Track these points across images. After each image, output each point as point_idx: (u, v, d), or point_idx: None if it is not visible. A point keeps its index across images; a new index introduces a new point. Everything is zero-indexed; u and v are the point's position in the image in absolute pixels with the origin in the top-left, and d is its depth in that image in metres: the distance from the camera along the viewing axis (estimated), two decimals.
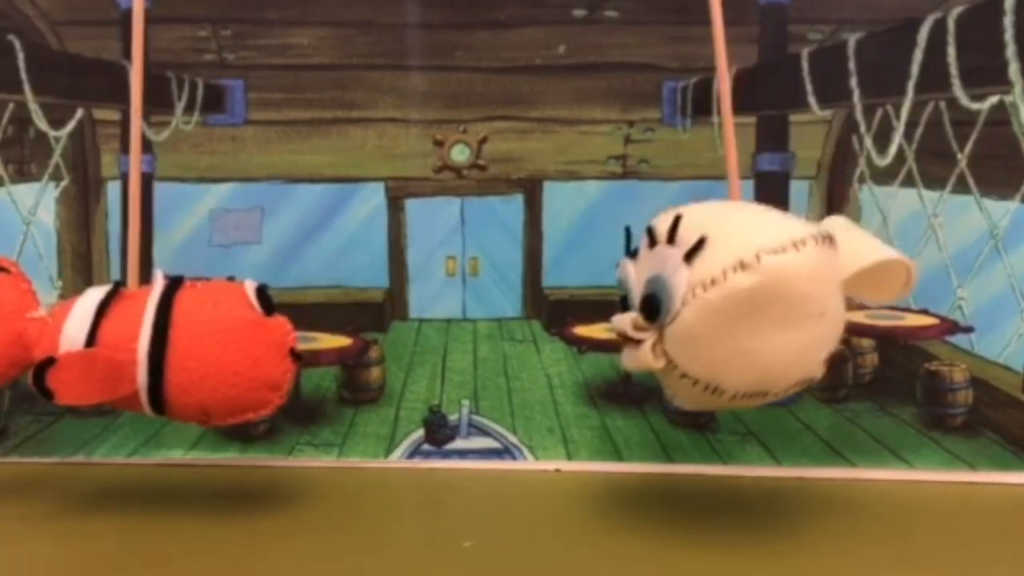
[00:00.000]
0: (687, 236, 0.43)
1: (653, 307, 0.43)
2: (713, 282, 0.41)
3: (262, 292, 0.48)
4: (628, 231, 0.47)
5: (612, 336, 0.59)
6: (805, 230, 0.42)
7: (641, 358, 0.44)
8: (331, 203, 0.60)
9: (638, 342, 0.44)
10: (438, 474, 0.59)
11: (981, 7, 0.55)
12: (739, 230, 0.43)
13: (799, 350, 0.43)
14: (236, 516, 0.51)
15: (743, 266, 0.41)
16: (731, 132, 0.50)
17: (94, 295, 0.48)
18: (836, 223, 0.45)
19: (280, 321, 0.48)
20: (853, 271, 0.44)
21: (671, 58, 0.58)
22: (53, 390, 0.46)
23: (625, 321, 0.44)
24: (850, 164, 0.59)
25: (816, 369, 0.44)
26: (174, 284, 0.48)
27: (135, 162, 0.50)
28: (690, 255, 0.42)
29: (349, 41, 0.59)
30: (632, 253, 0.46)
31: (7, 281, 0.50)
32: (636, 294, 0.45)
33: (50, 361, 0.46)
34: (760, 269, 0.41)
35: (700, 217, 0.44)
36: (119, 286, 0.48)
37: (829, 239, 0.42)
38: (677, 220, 0.44)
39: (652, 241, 0.45)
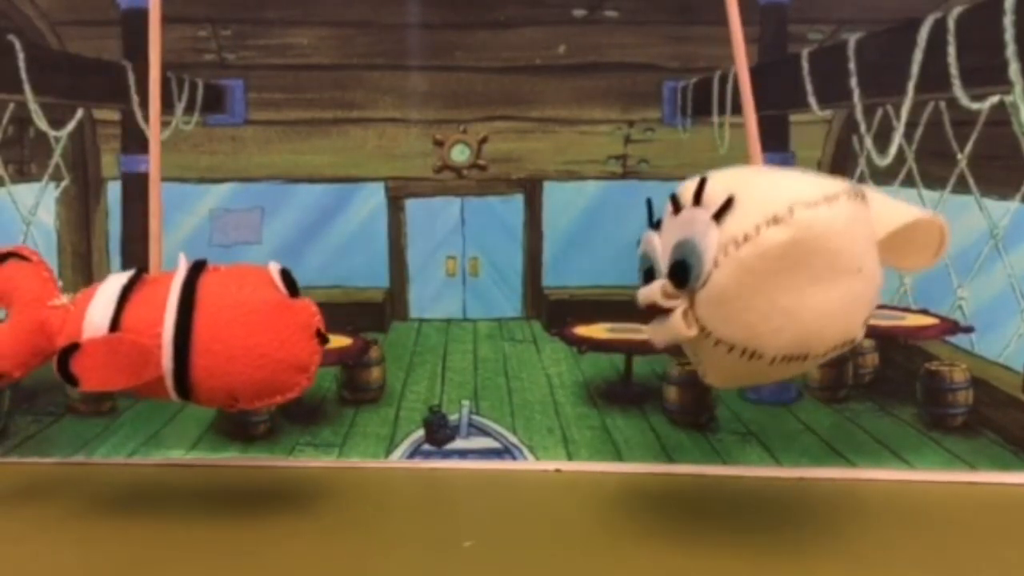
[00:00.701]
0: (714, 196, 0.42)
1: (683, 272, 0.42)
2: (746, 238, 0.40)
3: (286, 274, 0.48)
4: (650, 203, 0.45)
5: (612, 336, 0.60)
6: (837, 185, 0.41)
7: (672, 327, 0.42)
8: (331, 203, 0.60)
9: (667, 312, 0.42)
10: (438, 474, 0.59)
11: (981, 7, 0.55)
12: (769, 186, 0.42)
13: (838, 307, 0.41)
14: (236, 516, 0.51)
15: (776, 220, 0.40)
16: (753, 121, 0.49)
17: (117, 281, 0.48)
18: (865, 188, 0.43)
19: (305, 303, 0.47)
20: (887, 232, 0.42)
21: (671, 58, 0.58)
22: (77, 376, 0.46)
23: (654, 290, 0.43)
24: (850, 164, 0.59)
25: (857, 330, 0.42)
26: (197, 268, 0.48)
27: (154, 148, 0.50)
28: (719, 214, 0.41)
29: (349, 41, 0.59)
30: (655, 225, 0.45)
31: (28, 270, 0.50)
32: (663, 262, 0.43)
33: (74, 347, 0.46)
34: (793, 222, 0.40)
35: (727, 178, 0.43)
36: (142, 271, 0.48)
37: (861, 195, 0.42)
38: (703, 182, 0.42)
39: (677, 207, 0.43)
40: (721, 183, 0.42)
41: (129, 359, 0.46)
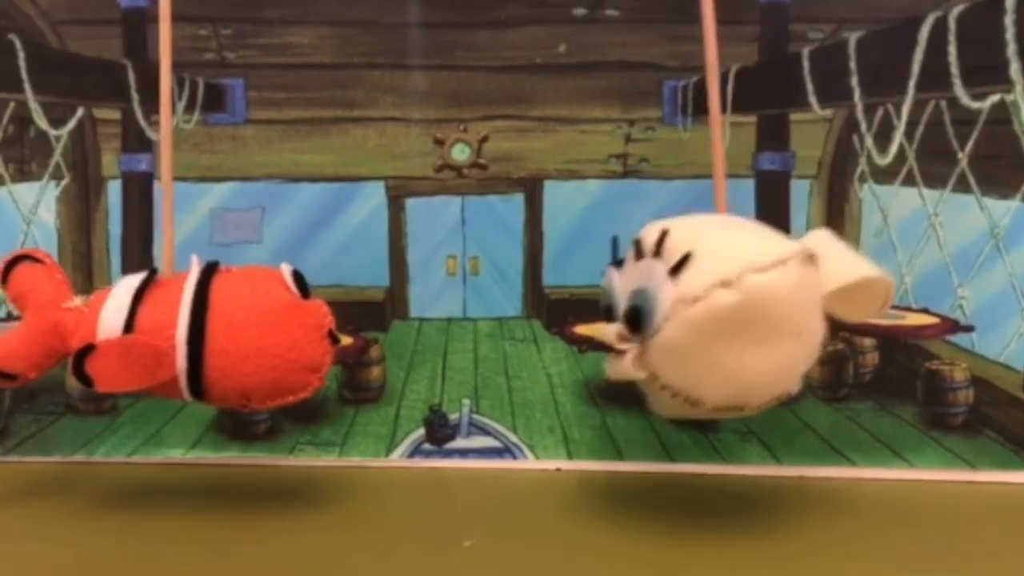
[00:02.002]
0: (673, 250, 0.44)
1: (638, 319, 0.44)
2: (696, 299, 0.42)
3: (298, 275, 0.48)
4: (615, 241, 0.49)
5: None
6: (788, 249, 0.43)
7: (624, 369, 0.45)
8: (331, 202, 0.60)
9: (618, 353, 0.45)
10: (439, 473, 0.59)
11: (982, 6, 0.55)
12: (724, 247, 0.43)
13: (776, 367, 0.44)
14: (236, 515, 0.51)
15: (726, 284, 0.42)
16: (719, 136, 0.51)
17: (130, 282, 0.48)
18: (819, 238, 0.45)
19: (317, 304, 0.48)
20: (833, 288, 0.44)
21: (671, 57, 0.58)
22: (93, 377, 0.46)
23: (610, 332, 0.45)
24: (851, 163, 0.59)
25: (792, 385, 0.45)
26: (210, 269, 0.48)
27: (166, 154, 0.50)
28: (675, 270, 0.43)
29: (349, 40, 0.59)
30: (618, 263, 0.47)
31: (42, 272, 0.50)
32: (621, 304, 0.46)
33: (89, 349, 0.46)
34: (742, 287, 0.42)
35: (687, 231, 0.45)
36: (154, 273, 0.48)
37: (811, 258, 0.43)
38: (664, 234, 0.44)
39: (639, 253, 0.45)
40: (682, 236, 0.44)
41: (143, 360, 0.46)
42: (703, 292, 0.42)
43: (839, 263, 0.45)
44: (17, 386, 0.49)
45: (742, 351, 0.43)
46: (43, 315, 0.48)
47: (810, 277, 0.43)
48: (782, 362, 0.44)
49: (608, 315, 0.47)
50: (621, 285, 0.46)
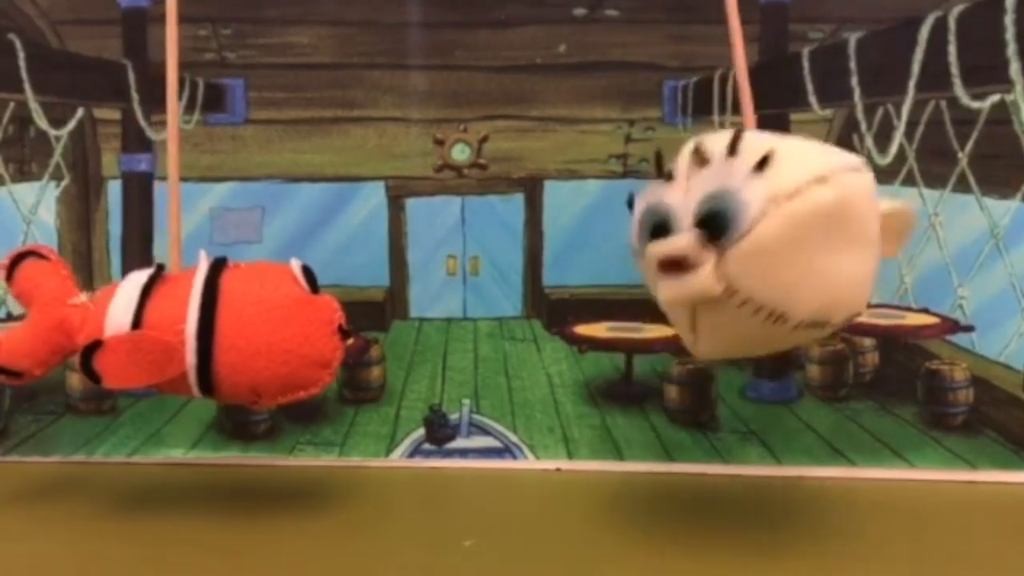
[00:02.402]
0: (754, 149, 0.40)
1: (719, 223, 0.39)
2: (794, 194, 0.39)
3: (307, 270, 0.48)
4: (659, 153, 0.44)
5: (613, 335, 0.60)
6: (857, 158, 0.42)
7: (699, 284, 0.40)
8: (331, 202, 0.60)
9: (689, 268, 0.40)
10: (439, 473, 0.59)
11: (982, 6, 0.55)
12: (804, 149, 0.41)
13: (861, 276, 0.42)
14: (237, 515, 0.51)
15: (823, 180, 0.39)
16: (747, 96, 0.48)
17: (137, 278, 0.48)
18: None
19: (327, 299, 0.48)
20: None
21: (671, 57, 0.58)
22: (101, 373, 0.46)
23: (682, 242, 0.40)
24: None
25: (865, 303, 0.43)
26: (218, 265, 0.48)
27: (173, 151, 0.50)
28: (760, 166, 0.40)
29: (349, 40, 0.59)
30: (665, 176, 0.42)
31: (47, 268, 0.50)
32: (684, 216, 0.41)
33: (97, 344, 0.46)
34: (839, 184, 0.40)
35: (757, 135, 0.42)
36: (162, 268, 0.48)
37: (871, 169, 0.42)
38: (738, 134, 0.41)
39: (702, 160, 0.41)
40: (755, 139, 0.41)
41: (152, 356, 0.46)
42: (803, 186, 0.39)
43: None
44: (23, 383, 0.49)
45: (837, 253, 0.40)
46: (49, 311, 0.48)
47: (874, 187, 0.42)
48: (867, 271, 0.42)
49: (658, 235, 0.41)
50: (680, 197, 0.41)
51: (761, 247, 0.39)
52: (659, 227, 0.41)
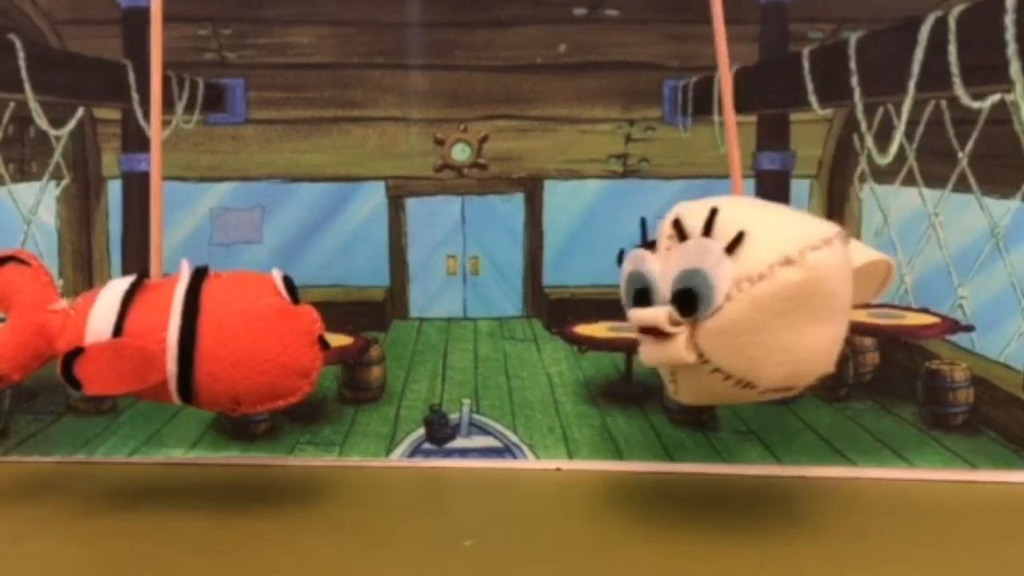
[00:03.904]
0: (726, 229, 0.43)
1: (690, 301, 0.43)
2: (761, 276, 0.41)
3: (288, 281, 0.48)
4: (644, 223, 0.46)
5: (613, 335, 0.60)
6: (829, 228, 0.43)
7: (673, 352, 0.43)
8: (332, 202, 0.60)
9: (665, 337, 0.43)
10: (439, 473, 0.59)
11: (982, 6, 0.55)
12: (776, 225, 0.43)
13: (828, 344, 0.44)
14: (237, 515, 0.51)
15: (789, 261, 0.41)
16: (733, 128, 0.50)
17: (119, 286, 0.48)
18: None
19: (307, 309, 0.48)
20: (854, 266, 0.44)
21: (671, 57, 0.58)
22: (81, 380, 0.46)
23: (658, 315, 0.43)
24: (851, 163, 0.59)
25: (833, 364, 0.45)
26: (200, 274, 0.48)
27: (156, 146, 0.50)
28: (731, 248, 0.42)
29: (349, 40, 0.59)
30: (648, 245, 0.45)
31: (28, 274, 0.50)
32: (662, 287, 0.44)
33: (78, 351, 0.46)
34: (805, 265, 0.41)
35: (733, 211, 0.44)
36: (143, 276, 0.48)
37: (847, 237, 0.43)
38: (713, 213, 0.43)
39: (682, 234, 0.44)
40: (732, 215, 0.43)
41: (133, 363, 0.46)
42: (767, 269, 0.41)
43: (852, 247, 0.45)
44: (1, 387, 0.49)
45: (801, 329, 0.42)
46: (29, 317, 0.49)
47: (847, 255, 0.43)
48: (833, 339, 0.44)
49: (640, 300, 0.45)
50: (661, 267, 0.44)
51: (728, 326, 0.42)
52: (640, 294, 0.45)
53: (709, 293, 0.42)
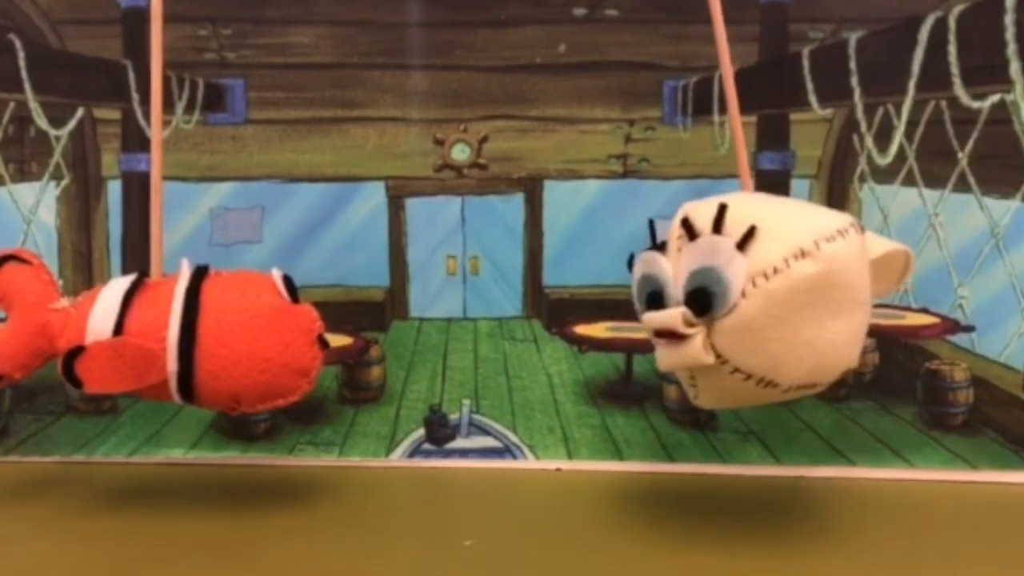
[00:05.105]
0: (736, 224, 0.42)
1: (704, 300, 0.41)
2: (776, 270, 0.41)
3: (288, 281, 0.48)
4: (652, 224, 0.45)
5: (612, 335, 0.60)
6: (843, 218, 0.42)
7: (691, 355, 0.42)
8: (331, 202, 0.60)
9: (681, 339, 0.42)
10: (439, 473, 0.59)
11: (982, 6, 0.55)
12: (787, 218, 0.42)
13: (850, 338, 0.43)
14: (237, 515, 0.51)
15: (804, 254, 0.41)
16: (739, 126, 0.50)
17: (119, 285, 0.48)
18: None
19: (307, 308, 0.48)
20: (872, 258, 0.44)
21: (671, 57, 0.58)
22: (82, 379, 0.46)
23: (673, 317, 0.42)
24: (851, 163, 0.58)
25: (857, 357, 0.44)
26: (200, 273, 0.48)
27: (156, 145, 0.50)
28: (742, 244, 0.41)
29: (349, 40, 0.59)
30: (658, 247, 0.44)
31: (29, 273, 0.50)
32: (676, 288, 0.42)
33: (79, 350, 0.46)
34: (820, 257, 0.41)
35: (742, 206, 0.43)
36: (144, 275, 0.49)
37: (862, 228, 0.43)
38: (723, 209, 0.42)
39: (691, 234, 0.43)
40: (742, 210, 0.42)
41: (134, 362, 0.46)
42: (782, 263, 0.41)
43: (870, 238, 0.44)
44: (2, 386, 0.49)
45: (821, 323, 0.41)
46: (30, 316, 0.49)
47: (863, 245, 0.43)
48: (855, 332, 0.43)
49: (653, 303, 0.43)
50: (671, 268, 0.43)
51: (745, 324, 0.41)
52: (653, 297, 0.43)
53: (723, 291, 0.41)
